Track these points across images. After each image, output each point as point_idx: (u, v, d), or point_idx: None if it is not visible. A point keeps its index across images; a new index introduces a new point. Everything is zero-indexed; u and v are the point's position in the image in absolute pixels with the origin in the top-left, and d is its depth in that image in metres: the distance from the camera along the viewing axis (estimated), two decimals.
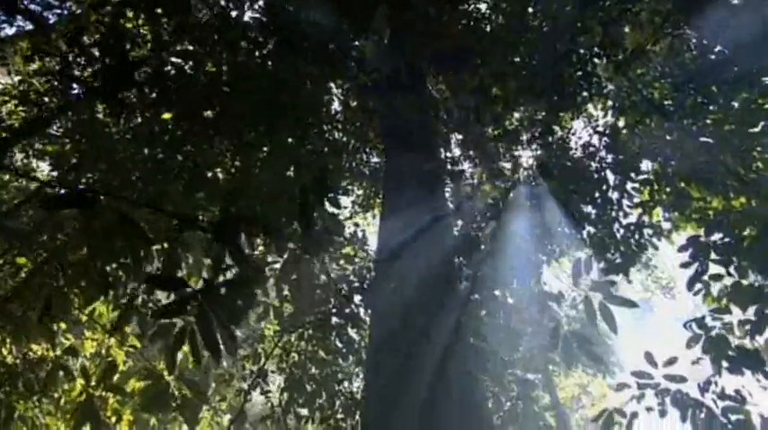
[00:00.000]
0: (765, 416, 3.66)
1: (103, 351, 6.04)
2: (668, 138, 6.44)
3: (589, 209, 7.16)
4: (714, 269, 4.82)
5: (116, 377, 5.30)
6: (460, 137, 9.56)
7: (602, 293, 3.91)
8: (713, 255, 4.36)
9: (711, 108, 6.85)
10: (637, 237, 6.44)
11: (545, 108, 8.28)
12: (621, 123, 7.12)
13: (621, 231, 6.64)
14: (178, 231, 5.21)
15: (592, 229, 7.00)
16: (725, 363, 3.88)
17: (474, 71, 8.33)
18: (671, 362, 3.96)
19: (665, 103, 7.49)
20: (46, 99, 6.78)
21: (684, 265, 4.48)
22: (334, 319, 6.09)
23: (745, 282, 4.13)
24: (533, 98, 8.13)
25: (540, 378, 6.22)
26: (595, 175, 7.22)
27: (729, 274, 4.23)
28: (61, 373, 4.86)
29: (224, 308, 2.32)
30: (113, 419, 5.66)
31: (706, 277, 4.46)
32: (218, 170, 6.93)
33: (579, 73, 8.07)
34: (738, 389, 3.78)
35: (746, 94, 6.72)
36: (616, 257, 6.49)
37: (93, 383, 4.40)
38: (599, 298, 3.95)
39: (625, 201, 7.07)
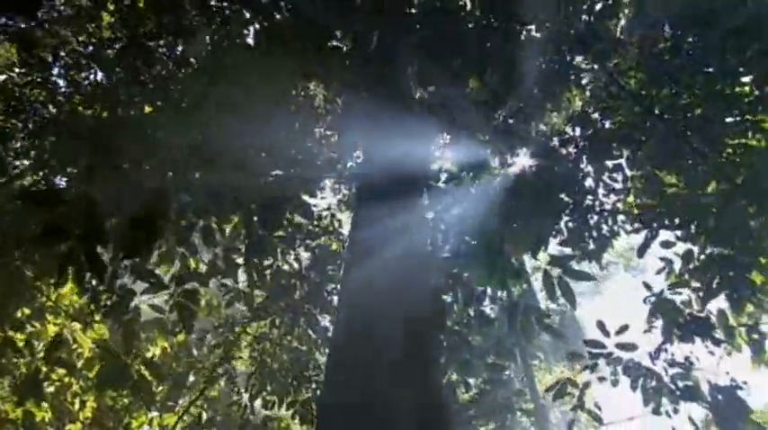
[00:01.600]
0: (713, 381, 3.62)
1: (69, 337, 5.95)
2: (635, 121, 6.43)
3: (564, 196, 7.13)
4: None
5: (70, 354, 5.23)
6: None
7: (560, 267, 3.86)
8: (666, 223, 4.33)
9: (685, 97, 6.87)
10: (610, 223, 6.40)
11: (525, 100, 8.29)
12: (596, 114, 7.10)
13: (595, 218, 6.61)
14: None
15: (567, 218, 6.97)
16: (676, 331, 3.84)
17: (450, 61, 8.33)
18: (622, 330, 3.92)
19: (642, 92, 7.50)
20: None
21: (634, 231, 4.45)
22: (306, 306, 6.02)
23: (695, 249, 4.10)
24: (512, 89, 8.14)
25: (513, 364, 6.12)
26: (570, 164, 7.22)
27: (680, 240, 4.20)
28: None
29: (124, 238, 2.26)
30: (76, 406, 5.57)
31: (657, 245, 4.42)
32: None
33: (558, 64, 8.11)
34: (688, 356, 3.74)
35: (720, 84, 6.74)
36: (589, 244, 6.45)
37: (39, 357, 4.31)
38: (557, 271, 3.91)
39: (601, 190, 7.07)
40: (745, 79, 7.28)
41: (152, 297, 5.69)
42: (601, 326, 4.01)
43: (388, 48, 9.72)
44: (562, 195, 7.14)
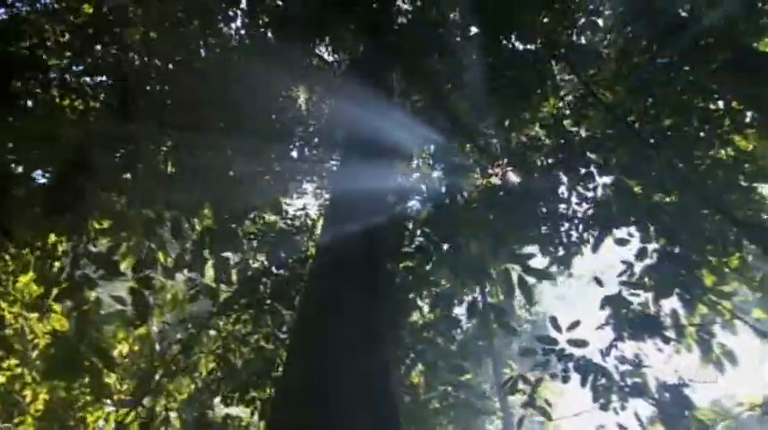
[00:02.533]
0: (662, 379, 3.62)
1: (26, 328, 5.80)
2: (610, 132, 6.51)
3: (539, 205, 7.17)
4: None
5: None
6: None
7: (520, 265, 3.85)
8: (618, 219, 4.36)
9: (657, 108, 6.98)
10: (580, 230, 6.43)
11: (501, 107, 8.37)
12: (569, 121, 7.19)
13: (566, 225, 6.64)
14: None
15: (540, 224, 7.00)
16: (628, 329, 3.85)
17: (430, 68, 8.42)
18: (574, 326, 3.91)
19: (617, 103, 7.63)
20: None
21: (587, 228, 4.48)
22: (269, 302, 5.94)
23: (651, 247, 4.13)
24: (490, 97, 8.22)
25: (483, 369, 6.06)
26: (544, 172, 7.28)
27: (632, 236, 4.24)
28: None
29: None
30: (28, 398, 5.41)
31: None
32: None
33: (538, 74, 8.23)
34: (638, 353, 3.74)
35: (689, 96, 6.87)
36: (559, 250, 6.47)
37: None
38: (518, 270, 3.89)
39: (574, 199, 7.11)
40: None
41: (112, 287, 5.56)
42: (553, 321, 4.01)
43: (373, 57, 9.85)
44: (537, 204, 7.21)
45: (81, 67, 6.70)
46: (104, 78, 6.87)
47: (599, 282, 4.58)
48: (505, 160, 8.20)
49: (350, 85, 9.39)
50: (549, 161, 7.33)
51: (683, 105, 6.92)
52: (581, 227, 6.65)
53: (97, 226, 6.57)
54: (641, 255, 4.35)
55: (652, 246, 4.33)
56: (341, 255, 5.00)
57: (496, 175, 8.23)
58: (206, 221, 6.61)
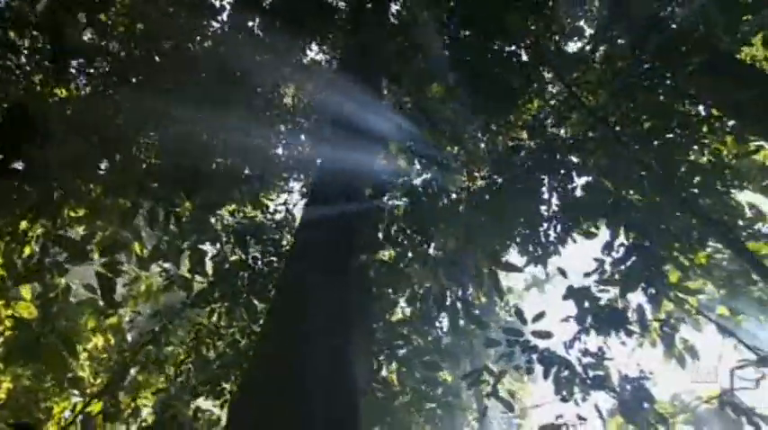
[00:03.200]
0: (624, 372, 3.62)
1: None
2: (591, 134, 6.55)
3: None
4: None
5: None
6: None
7: (492, 260, 3.83)
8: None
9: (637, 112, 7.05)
10: (558, 229, 6.45)
11: (488, 109, 8.40)
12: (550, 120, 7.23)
13: (545, 225, 6.65)
14: None
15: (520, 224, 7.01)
16: (592, 323, 3.85)
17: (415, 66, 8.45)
18: (538, 318, 3.90)
19: (598, 105, 7.70)
20: None
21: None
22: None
23: (618, 241, 4.14)
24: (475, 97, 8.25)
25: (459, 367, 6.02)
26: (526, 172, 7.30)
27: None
28: None
29: None
30: None
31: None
32: None
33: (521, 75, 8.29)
34: (601, 346, 3.74)
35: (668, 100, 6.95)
36: (537, 249, 6.48)
37: None
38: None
39: (554, 199, 7.14)
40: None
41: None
42: (518, 313, 4.00)
43: (361, 57, 9.89)
44: (518, 204, 7.23)
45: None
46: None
47: (563, 273, 4.59)
48: (489, 161, 8.24)
49: (338, 83, 9.42)
50: (530, 163, 7.36)
51: (662, 109, 7.00)
52: (558, 227, 6.68)
53: (72, 214, 6.50)
54: (608, 248, 4.36)
55: (620, 241, 4.35)
56: (314, 242, 4.99)
57: (480, 176, 8.26)
58: (184, 212, 6.54)
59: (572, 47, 9.05)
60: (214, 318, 6.19)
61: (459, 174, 8.40)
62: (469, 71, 7.76)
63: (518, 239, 7.16)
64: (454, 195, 7.59)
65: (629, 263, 4.14)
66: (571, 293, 4.05)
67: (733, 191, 7.44)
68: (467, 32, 8.19)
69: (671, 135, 6.94)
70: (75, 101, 6.83)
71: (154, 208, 6.25)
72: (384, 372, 5.61)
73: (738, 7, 7.49)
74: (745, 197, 8.55)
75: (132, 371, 5.98)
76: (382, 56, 9.45)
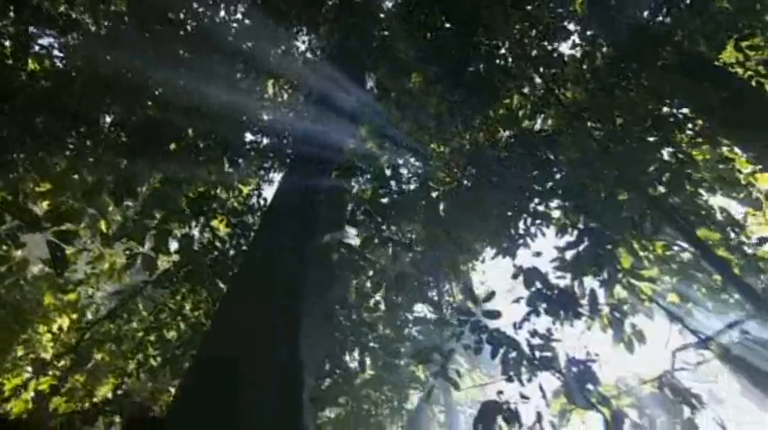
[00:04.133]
0: (571, 355, 3.64)
1: None
2: (565, 129, 6.59)
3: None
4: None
5: None
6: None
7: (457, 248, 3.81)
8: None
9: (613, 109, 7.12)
10: (528, 223, 6.47)
11: (464, 98, 8.40)
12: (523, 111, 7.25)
13: (519, 218, 6.67)
14: None
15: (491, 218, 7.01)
16: (543, 304, 3.86)
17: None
18: (489, 298, 3.91)
19: (573, 101, 7.77)
20: None
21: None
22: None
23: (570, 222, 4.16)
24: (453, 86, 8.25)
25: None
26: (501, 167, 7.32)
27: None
28: None
29: None
30: None
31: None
32: None
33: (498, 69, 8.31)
34: (549, 328, 3.76)
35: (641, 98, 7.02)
36: (508, 242, 6.49)
37: None
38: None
39: (527, 193, 7.16)
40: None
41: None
42: (469, 292, 3.99)
43: (347, 49, 9.84)
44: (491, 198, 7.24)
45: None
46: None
47: (511, 256, 4.58)
48: (466, 154, 8.24)
49: (322, 70, 9.37)
50: (505, 155, 7.37)
51: (636, 107, 7.07)
52: (530, 220, 6.71)
53: (36, 188, 6.35)
54: (562, 231, 4.38)
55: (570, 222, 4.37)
56: (277, 221, 4.94)
57: (457, 169, 8.25)
58: (152, 190, 6.44)
59: (553, 44, 9.06)
60: (178, 298, 6.10)
61: (435, 163, 8.40)
62: (450, 64, 7.75)
63: (490, 231, 7.19)
64: (430, 185, 7.59)
65: (581, 246, 4.17)
66: (522, 274, 4.05)
67: (703, 192, 7.57)
68: (448, 25, 8.18)
69: (643, 133, 7.03)
70: (46, 74, 6.68)
71: (119, 184, 6.13)
72: (347, 357, 5.58)
73: (714, 13, 7.62)
74: (716, 201, 8.70)
75: (89, 347, 5.85)
76: (363, 45, 9.42)
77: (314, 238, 4.72)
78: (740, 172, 8.74)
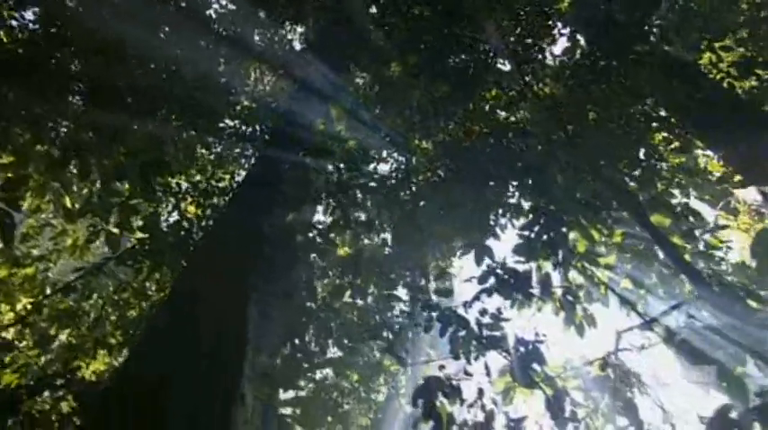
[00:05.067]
0: (520, 335, 3.64)
1: None
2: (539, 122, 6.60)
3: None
4: None
5: None
6: None
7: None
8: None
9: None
10: (499, 215, 6.48)
11: (445, 91, 8.38)
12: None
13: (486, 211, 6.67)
14: None
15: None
16: (495, 285, 3.86)
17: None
18: (441, 275, 3.90)
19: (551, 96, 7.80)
20: None
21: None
22: None
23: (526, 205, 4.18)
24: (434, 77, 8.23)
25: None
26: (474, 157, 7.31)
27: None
28: None
29: None
30: None
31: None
32: None
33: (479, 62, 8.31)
34: (499, 307, 3.76)
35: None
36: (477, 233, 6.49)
37: None
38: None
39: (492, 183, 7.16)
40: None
41: None
42: (422, 271, 3.97)
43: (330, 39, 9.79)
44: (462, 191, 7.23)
45: None
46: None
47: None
48: (442, 148, 8.23)
49: (305, 62, 9.31)
50: (480, 148, 7.37)
51: (610, 102, 7.11)
52: (500, 211, 6.72)
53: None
54: (517, 211, 4.39)
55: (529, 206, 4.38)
56: (242, 197, 4.91)
57: (433, 162, 8.23)
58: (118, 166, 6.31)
59: (536, 41, 9.08)
60: (140, 278, 5.99)
61: (416, 157, 8.37)
62: (431, 54, 7.72)
63: (463, 223, 7.19)
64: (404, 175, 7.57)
65: (536, 228, 4.18)
66: (472, 250, 4.05)
67: (673, 191, 7.64)
68: (427, 13, 8.14)
69: (617, 130, 7.08)
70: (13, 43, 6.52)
71: (85, 158, 6.01)
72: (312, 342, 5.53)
73: (692, 14, 7.70)
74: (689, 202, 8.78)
75: (46, 324, 5.72)
76: (346, 34, 9.36)
77: (274, 216, 4.68)
78: (712, 174, 8.86)
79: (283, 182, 4.99)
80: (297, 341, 5.06)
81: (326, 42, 9.84)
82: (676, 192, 7.48)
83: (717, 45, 6.67)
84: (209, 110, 7.49)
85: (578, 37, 8.38)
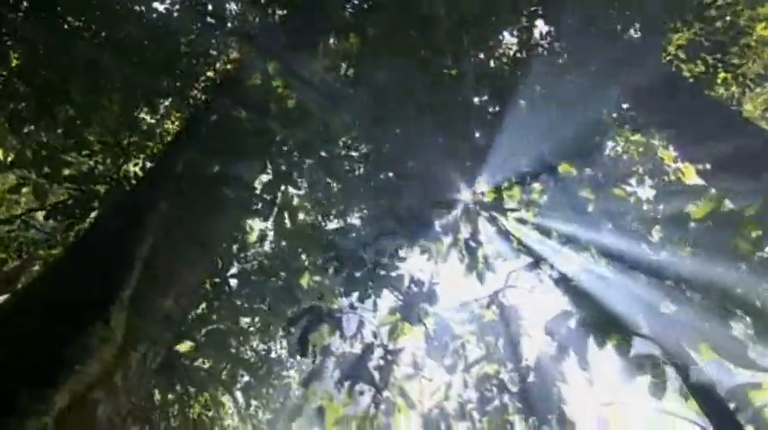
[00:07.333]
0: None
1: None
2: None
3: None
4: None
5: None
6: None
7: None
8: None
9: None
10: None
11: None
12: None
13: None
14: None
15: None
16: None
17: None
18: (341, 214, 3.85)
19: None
20: None
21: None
22: None
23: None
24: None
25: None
26: None
27: None
28: None
29: None
30: None
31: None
32: None
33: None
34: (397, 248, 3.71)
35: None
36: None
37: None
38: None
39: None
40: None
41: None
42: (322, 211, 3.92)
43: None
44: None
45: None
46: None
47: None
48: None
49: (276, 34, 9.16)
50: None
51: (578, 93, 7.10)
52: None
53: None
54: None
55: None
56: (170, 150, 4.88)
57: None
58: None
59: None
60: (71, 234, 5.82)
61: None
62: (384, 26, 7.62)
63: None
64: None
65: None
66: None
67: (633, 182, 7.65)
68: None
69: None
70: None
71: (17, 110, 5.86)
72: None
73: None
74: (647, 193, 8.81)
75: None
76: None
77: (195, 163, 4.62)
78: (668, 165, 8.91)
79: (215, 138, 4.93)
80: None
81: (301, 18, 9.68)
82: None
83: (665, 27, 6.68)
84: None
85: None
